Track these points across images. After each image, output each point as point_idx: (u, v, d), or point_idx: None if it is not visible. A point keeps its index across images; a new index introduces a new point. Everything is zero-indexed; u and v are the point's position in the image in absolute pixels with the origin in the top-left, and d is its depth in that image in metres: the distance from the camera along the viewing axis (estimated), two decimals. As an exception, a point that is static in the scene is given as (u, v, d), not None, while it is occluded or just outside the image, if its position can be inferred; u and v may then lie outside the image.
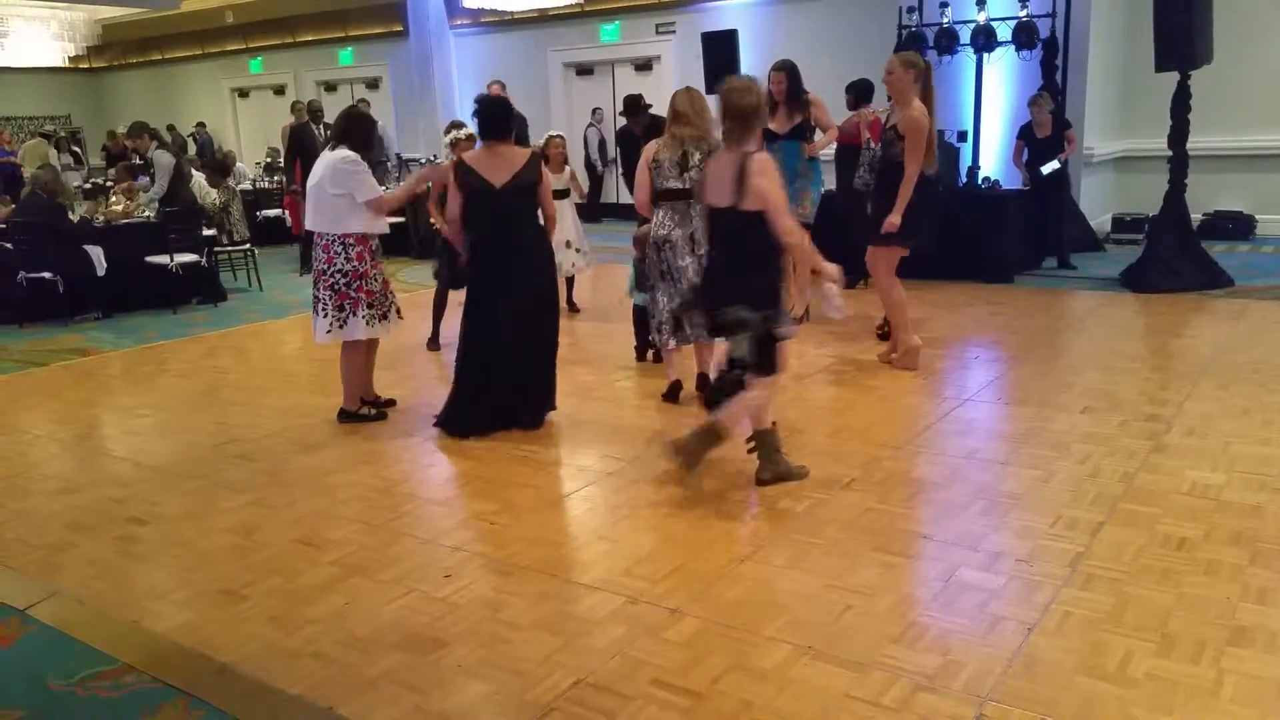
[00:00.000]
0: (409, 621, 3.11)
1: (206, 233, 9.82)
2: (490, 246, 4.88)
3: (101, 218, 9.29)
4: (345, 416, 5.32)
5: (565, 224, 7.68)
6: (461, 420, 4.98)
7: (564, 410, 5.26)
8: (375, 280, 5.16)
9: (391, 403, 5.51)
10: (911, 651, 2.83)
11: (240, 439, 5.13)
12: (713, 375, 5.42)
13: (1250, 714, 2.49)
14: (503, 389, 4.95)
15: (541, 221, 5.08)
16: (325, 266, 5.07)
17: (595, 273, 9.80)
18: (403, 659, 2.89)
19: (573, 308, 8.17)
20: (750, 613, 3.09)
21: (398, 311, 5.38)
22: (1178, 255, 8.32)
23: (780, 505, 3.96)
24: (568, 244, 7.69)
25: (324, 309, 5.12)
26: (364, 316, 5.12)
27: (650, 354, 6.32)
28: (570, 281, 8.13)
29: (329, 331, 5.13)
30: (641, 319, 6.29)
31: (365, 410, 5.34)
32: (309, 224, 5.19)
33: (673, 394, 5.48)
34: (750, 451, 4.20)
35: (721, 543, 3.64)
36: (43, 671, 2.96)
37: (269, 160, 15.06)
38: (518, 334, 4.88)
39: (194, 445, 5.07)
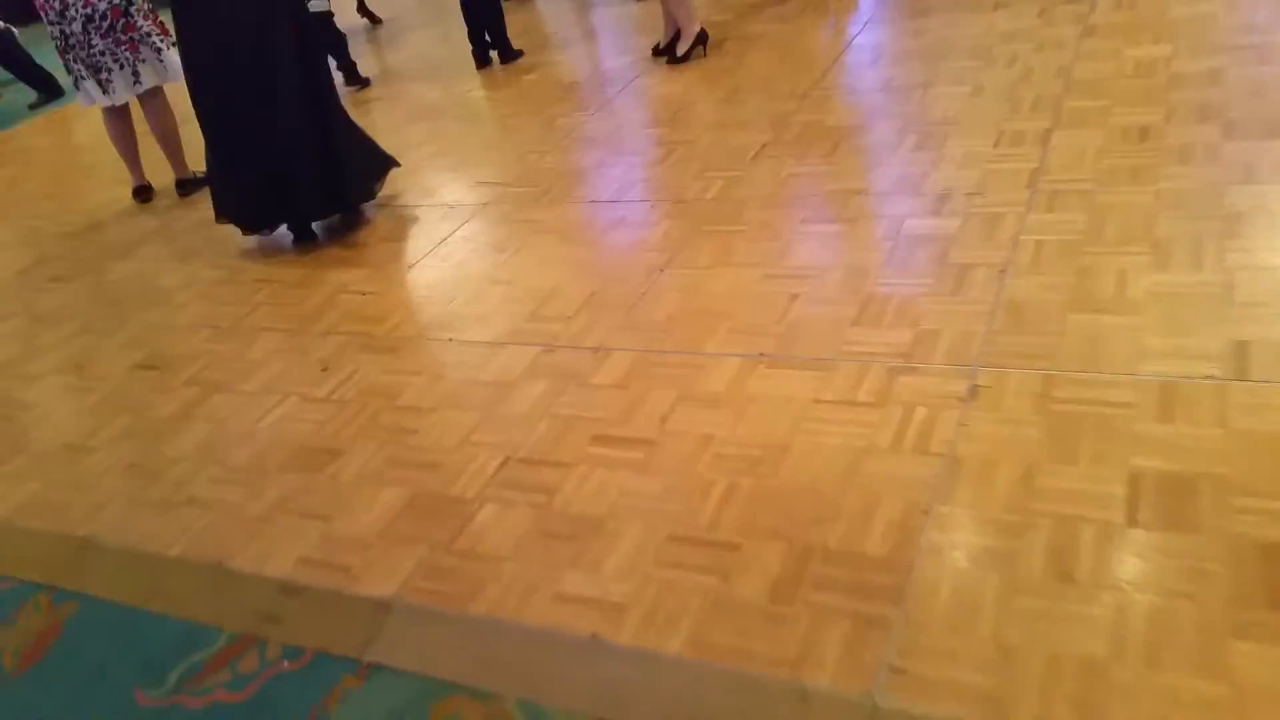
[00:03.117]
0: (291, 434, 2.59)
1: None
2: None
3: None
4: (187, 187, 4.55)
5: None
6: (232, 206, 3.73)
7: (411, 139, 4.50)
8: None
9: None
10: (877, 330, 2.43)
11: (50, 256, 4.30)
12: None
13: (1270, 313, 2.16)
14: (272, 163, 3.55)
15: None
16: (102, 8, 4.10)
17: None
18: (294, 481, 2.40)
19: (371, 18, 7.03)
20: (685, 329, 2.64)
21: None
22: None
23: (688, 195, 3.41)
24: None
25: (165, 42, 4.26)
26: (164, 57, 4.25)
27: (495, 55, 5.44)
28: None
29: (141, 82, 4.26)
30: (476, 13, 5.36)
31: (196, 173, 4.53)
32: None
33: (701, 42, 4.69)
34: None
35: (631, 255, 3.12)
36: None
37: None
38: (251, 84, 3.47)
39: (3, 277, 4.24)
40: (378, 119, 5.03)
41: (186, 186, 4.55)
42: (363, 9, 7.01)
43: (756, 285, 2.76)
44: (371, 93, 5.52)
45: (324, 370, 2.85)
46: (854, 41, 4.50)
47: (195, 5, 3.47)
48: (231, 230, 3.93)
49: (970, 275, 2.55)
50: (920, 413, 2.10)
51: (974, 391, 2.13)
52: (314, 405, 2.69)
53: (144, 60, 4.23)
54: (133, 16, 4.15)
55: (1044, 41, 3.96)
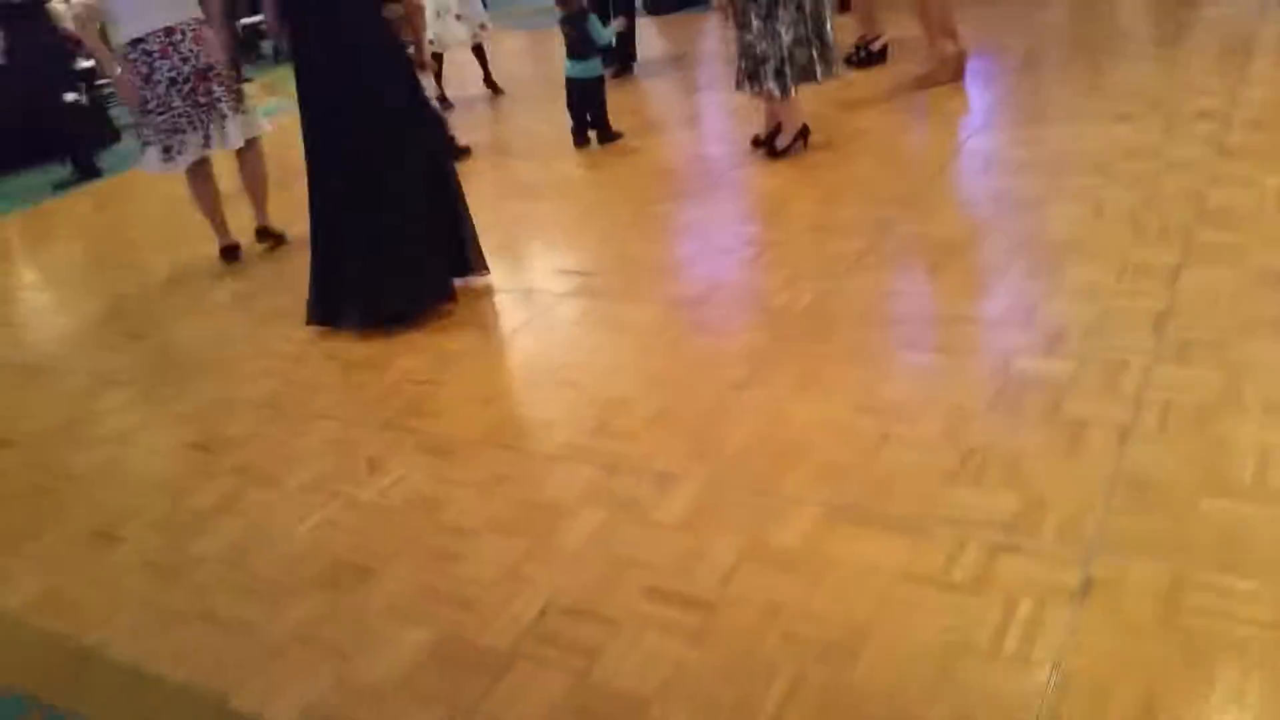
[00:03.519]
0: (327, 544, 2.41)
1: (84, 64, 8.47)
2: (311, 46, 3.36)
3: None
4: (268, 235, 4.61)
5: None
6: (323, 305, 3.60)
7: (502, 217, 4.39)
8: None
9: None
10: (978, 491, 2.15)
11: (129, 311, 4.29)
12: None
13: None
14: (373, 258, 3.47)
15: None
16: (211, 62, 4.17)
17: (528, 40, 8.60)
18: (320, 602, 2.21)
19: (494, 89, 7.04)
20: (761, 462, 2.39)
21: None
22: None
23: (776, 303, 3.19)
24: (442, 11, 6.39)
25: (231, 109, 4.28)
26: (228, 125, 4.31)
27: (594, 135, 5.33)
28: (481, 56, 6.94)
29: (210, 145, 4.30)
30: (576, 94, 5.28)
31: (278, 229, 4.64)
32: (158, 21, 4.04)
33: (802, 137, 4.53)
34: None
35: (710, 367, 2.90)
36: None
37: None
38: (372, 172, 3.40)
39: (79, 327, 4.25)
40: (473, 192, 4.94)
41: (266, 236, 4.59)
42: (488, 80, 7.04)
43: (844, 418, 2.51)
44: (471, 165, 5.45)
45: (371, 471, 2.68)
46: (965, 146, 4.26)
47: (320, 86, 3.40)
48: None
49: (1087, 434, 2.26)
50: (1025, 606, 1.81)
51: (1088, 586, 1.83)
52: (356, 511, 2.52)
53: (213, 124, 4.23)
54: (211, 82, 4.18)
55: (1173, 161, 3.65)
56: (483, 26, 6.69)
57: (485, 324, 3.50)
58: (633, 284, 3.57)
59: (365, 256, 3.47)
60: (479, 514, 2.40)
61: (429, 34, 6.36)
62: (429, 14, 6.27)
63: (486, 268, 3.71)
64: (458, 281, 3.64)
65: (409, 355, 3.33)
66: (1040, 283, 2.99)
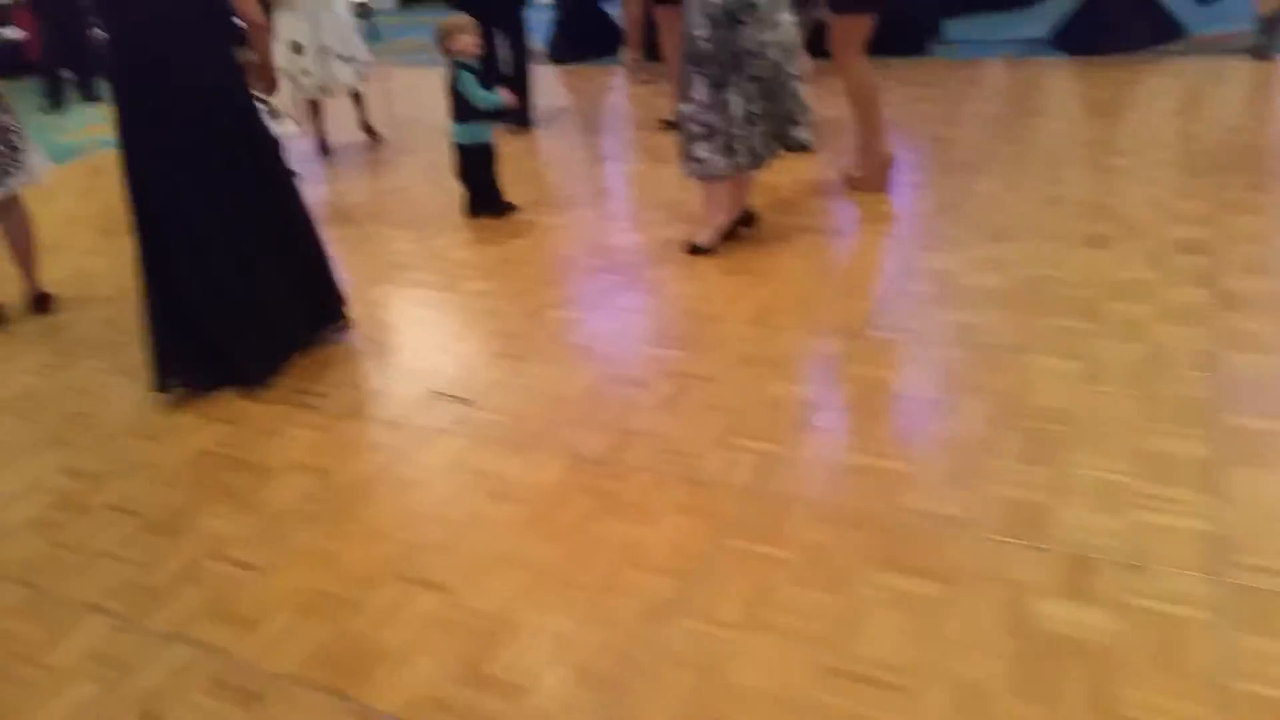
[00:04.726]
0: None
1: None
2: (134, 69, 2.93)
3: None
4: (44, 304, 3.91)
5: (321, 24, 5.62)
6: (163, 365, 3.10)
7: (367, 307, 3.58)
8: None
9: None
10: None
11: None
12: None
13: None
14: (219, 305, 3.09)
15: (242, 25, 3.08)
16: None
17: (413, 80, 7.80)
18: None
19: (373, 135, 6.26)
20: (700, 772, 1.66)
21: None
22: (1121, 4, 6.85)
23: (707, 473, 2.49)
24: (326, 50, 5.62)
25: (21, 140, 3.68)
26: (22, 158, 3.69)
27: (493, 205, 4.60)
28: (358, 99, 6.15)
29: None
30: (467, 161, 4.54)
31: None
32: None
33: (746, 221, 4.04)
34: None
35: (626, 571, 2.16)
36: None
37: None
38: (213, 209, 3.01)
39: None
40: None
41: (44, 303, 3.89)
42: (366, 125, 6.24)
43: (813, 686, 1.81)
44: (338, 233, 4.62)
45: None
46: (915, 263, 3.66)
47: (144, 115, 2.93)
48: (117, 412, 3.00)
49: (1160, 753, 1.61)
50: None
51: None
52: (88, 826, 1.67)
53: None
54: None
55: (1167, 305, 3.13)
56: (365, 66, 5.94)
57: (329, 469, 2.67)
58: (523, 422, 2.82)
59: (228, 304, 3.12)
60: (276, 847, 1.59)
61: (313, 80, 5.60)
62: (308, 59, 5.50)
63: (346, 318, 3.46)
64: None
65: (222, 512, 2.49)
66: (1040, 472, 2.37)
